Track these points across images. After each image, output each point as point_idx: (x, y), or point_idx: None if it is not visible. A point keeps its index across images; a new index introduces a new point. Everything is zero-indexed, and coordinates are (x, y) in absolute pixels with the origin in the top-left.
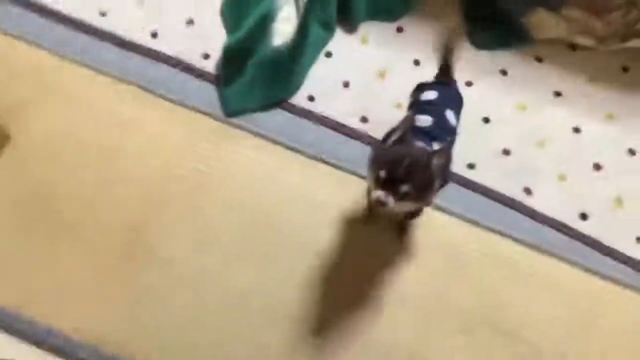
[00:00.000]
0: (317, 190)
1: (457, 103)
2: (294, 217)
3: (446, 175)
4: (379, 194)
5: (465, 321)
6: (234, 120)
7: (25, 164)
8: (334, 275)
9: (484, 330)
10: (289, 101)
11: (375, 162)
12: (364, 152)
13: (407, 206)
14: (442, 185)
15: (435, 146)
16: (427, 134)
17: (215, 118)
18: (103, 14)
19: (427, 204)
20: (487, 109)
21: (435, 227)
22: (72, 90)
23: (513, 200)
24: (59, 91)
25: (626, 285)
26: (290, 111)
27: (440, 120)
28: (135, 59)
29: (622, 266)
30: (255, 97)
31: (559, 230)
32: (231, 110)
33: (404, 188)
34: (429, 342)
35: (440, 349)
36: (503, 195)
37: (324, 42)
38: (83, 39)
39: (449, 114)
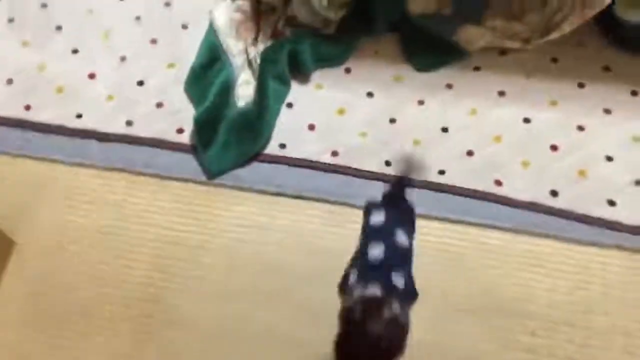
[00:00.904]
0: (307, 225)
1: (407, 219)
2: (291, 255)
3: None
4: None
5: (471, 308)
6: (217, 181)
7: (31, 264)
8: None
9: (490, 314)
10: (264, 153)
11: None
12: (340, 183)
13: None
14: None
15: (395, 278)
16: (382, 267)
17: (201, 183)
18: (79, 116)
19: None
20: (443, 120)
21: (424, 233)
22: (65, 187)
23: (487, 193)
24: (53, 191)
25: (608, 246)
26: (266, 161)
27: (392, 245)
28: (116, 148)
29: (600, 230)
30: (231, 157)
31: (534, 210)
32: (213, 173)
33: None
34: (439, 331)
35: (452, 334)
36: (477, 191)
37: (284, 95)
38: (66, 141)
39: (400, 235)
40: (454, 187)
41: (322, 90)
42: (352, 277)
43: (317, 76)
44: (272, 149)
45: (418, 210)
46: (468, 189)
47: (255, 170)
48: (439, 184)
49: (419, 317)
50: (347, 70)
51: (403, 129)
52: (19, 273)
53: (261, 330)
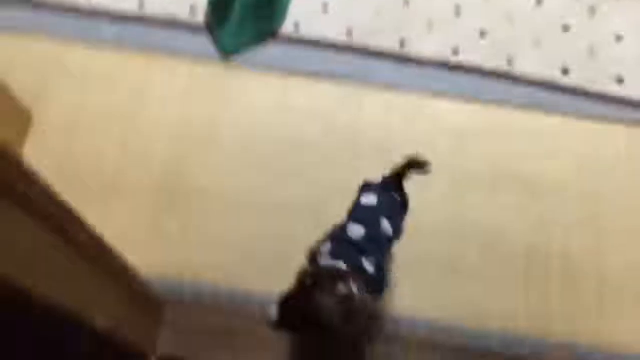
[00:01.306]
0: (321, 105)
1: (397, 211)
2: (305, 134)
3: (385, 284)
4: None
5: (483, 184)
6: (233, 61)
7: (51, 139)
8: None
9: (502, 188)
10: (279, 33)
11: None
12: (354, 63)
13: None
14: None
15: (365, 263)
16: (356, 247)
17: (216, 63)
18: None
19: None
20: (456, 0)
21: (436, 113)
22: (80, 69)
23: (499, 72)
24: (70, 71)
25: (616, 121)
26: (281, 42)
27: (374, 232)
28: (130, 29)
29: (609, 106)
30: (247, 35)
31: (545, 88)
32: (228, 51)
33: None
34: (454, 206)
35: (473, 206)
36: (489, 70)
37: None
38: (80, 21)
39: (384, 224)
40: (466, 66)
41: None
42: (325, 247)
43: None
44: (286, 28)
45: (432, 88)
46: (481, 68)
47: (270, 50)
48: (452, 63)
49: (435, 193)
50: None
51: (417, 9)
52: (38, 147)
53: (275, 203)
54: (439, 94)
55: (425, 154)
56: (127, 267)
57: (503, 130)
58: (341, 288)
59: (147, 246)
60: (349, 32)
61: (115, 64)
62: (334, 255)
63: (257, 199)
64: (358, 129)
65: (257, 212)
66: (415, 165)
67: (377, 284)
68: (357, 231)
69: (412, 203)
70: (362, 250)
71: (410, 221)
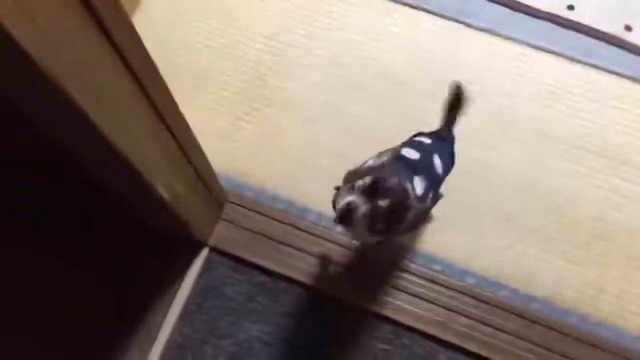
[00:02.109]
0: (419, 36)
1: (446, 161)
2: (396, 61)
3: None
4: (339, 226)
5: (573, 148)
6: None
7: (155, 25)
8: None
9: (593, 157)
10: None
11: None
12: (463, 1)
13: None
14: (412, 228)
15: (417, 181)
16: (411, 166)
17: None
18: None
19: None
20: None
21: (536, 67)
22: None
23: (613, 36)
24: None
25: None
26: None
27: (427, 160)
28: None
29: None
30: None
31: None
32: None
33: (357, 223)
34: (538, 161)
35: (549, 167)
36: (603, 33)
37: None
38: None
39: (436, 161)
40: (579, 24)
41: None
42: (379, 159)
43: None
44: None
45: (538, 42)
46: (594, 29)
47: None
48: (565, 19)
49: (512, 148)
50: None
51: None
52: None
53: (352, 123)
54: (542, 48)
55: (511, 105)
56: (200, 150)
57: (600, 97)
58: (394, 184)
59: (220, 143)
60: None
61: None
62: (391, 166)
63: (332, 118)
64: (448, 65)
65: (331, 130)
66: (455, 102)
67: (422, 200)
68: (411, 153)
69: (490, 153)
70: (415, 169)
71: (481, 167)
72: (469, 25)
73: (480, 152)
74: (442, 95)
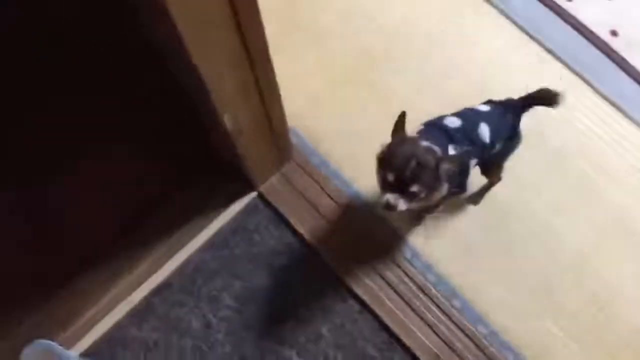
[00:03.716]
0: (537, 76)
1: (505, 131)
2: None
3: (461, 184)
4: (388, 196)
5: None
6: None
7: None
8: None
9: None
10: None
11: (382, 164)
12: (598, 61)
13: (418, 204)
14: (456, 192)
15: (451, 149)
16: (447, 134)
17: None
18: None
19: (438, 203)
20: None
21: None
22: None
23: None
24: None
25: None
26: (546, 5)
27: (470, 128)
28: None
29: None
30: None
31: None
32: None
33: (413, 188)
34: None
35: (609, 262)
36: None
37: None
38: None
39: (483, 128)
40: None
41: None
42: (417, 129)
43: None
44: None
45: None
46: None
47: (530, 6)
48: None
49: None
50: None
51: None
52: None
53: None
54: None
55: (601, 181)
56: (278, 97)
57: None
58: (425, 146)
59: (306, 102)
60: (614, 33)
61: None
62: (424, 133)
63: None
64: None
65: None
66: (544, 96)
67: (454, 176)
68: (453, 122)
69: (560, 219)
70: (451, 138)
71: (546, 229)
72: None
73: (551, 215)
74: None
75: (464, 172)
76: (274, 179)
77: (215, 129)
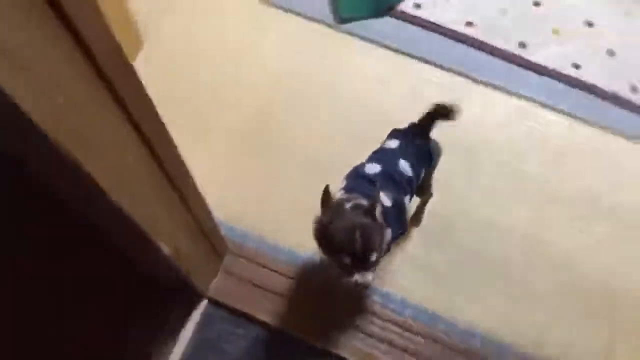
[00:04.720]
0: (423, 88)
1: (422, 158)
2: (400, 111)
3: (403, 224)
4: (355, 277)
5: (579, 207)
6: (345, 26)
7: (157, 67)
8: None
9: (599, 217)
10: (398, 10)
11: (328, 248)
12: (467, 54)
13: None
14: (401, 233)
15: (381, 195)
16: (371, 182)
17: (328, 25)
18: None
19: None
20: (590, 14)
21: (539, 123)
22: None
23: (618, 97)
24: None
25: None
26: (399, 18)
27: (391, 169)
28: None
29: None
30: (366, 5)
31: None
32: (343, 16)
33: (372, 257)
34: (542, 220)
35: (554, 228)
36: (608, 93)
37: None
38: None
39: (403, 165)
40: (585, 83)
41: None
42: (339, 185)
43: None
44: (407, 6)
45: (541, 97)
46: (599, 88)
47: (386, 24)
48: (570, 77)
49: (517, 206)
50: None
51: (546, 15)
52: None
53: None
54: (547, 105)
55: (515, 163)
56: (203, 204)
57: (606, 157)
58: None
59: (222, 190)
60: (469, 24)
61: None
62: (348, 189)
63: (332, 164)
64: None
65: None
66: (441, 112)
67: (394, 220)
68: (372, 168)
69: (493, 209)
70: (377, 183)
71: (484, 224)
72: (472, 80)
73: (488, 208)
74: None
75: (401, 213)
76: (219, 279)
77: (149, 259)
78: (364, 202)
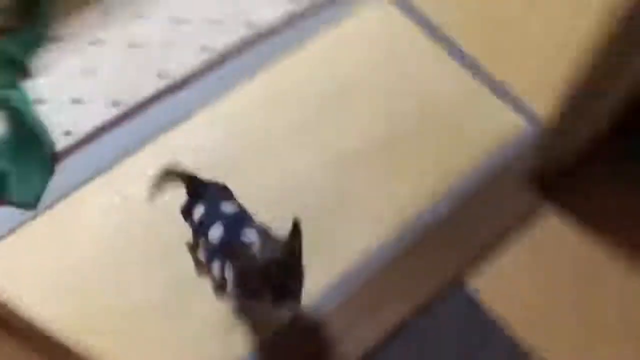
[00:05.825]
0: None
1: (221, 194)
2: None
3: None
4: (289, 310)
5: None
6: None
7: None
8: None
9: None
10: (56, 151)
11: (254, 294)
12: None
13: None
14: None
15: (245, 235)
16: (228, 244)
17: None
18: None
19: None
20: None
21: None
22: None
23: None
24: None
25: None
26: (64, 156)
27: (227, 220)
28: None
29: None
30: (33, 176)
31: None
32: (31, 201)
33: (296, 286)
34: None
35: None
36: None
37: (24, 95)
38: None
39: (224, 206)
40: None
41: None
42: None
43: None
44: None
45: None
46: None
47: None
48: None
49: None
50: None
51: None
52: None
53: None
54: None
55: None
56: None
57: None
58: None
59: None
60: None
61: None
62: (221, 260)
63: None
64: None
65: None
66: (173, 174)
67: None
68: (214, 234)
69: None
70: (235, 239)
71: None
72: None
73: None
74: None
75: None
76: None
77: None
78: (254, 240)
